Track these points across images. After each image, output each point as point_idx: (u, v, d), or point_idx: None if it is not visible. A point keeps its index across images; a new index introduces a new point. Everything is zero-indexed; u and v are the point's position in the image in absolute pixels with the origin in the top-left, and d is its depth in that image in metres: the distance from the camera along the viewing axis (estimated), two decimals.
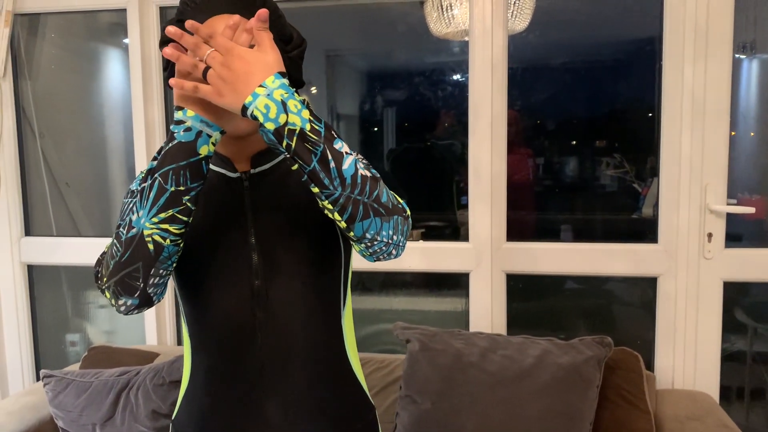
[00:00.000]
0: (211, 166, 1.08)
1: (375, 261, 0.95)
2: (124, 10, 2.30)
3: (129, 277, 0.90)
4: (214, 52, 0.84)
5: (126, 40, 2.34)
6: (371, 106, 2.52)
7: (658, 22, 2.04)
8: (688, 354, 2.05)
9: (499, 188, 2.11)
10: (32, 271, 2.55)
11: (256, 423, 1.00)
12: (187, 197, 0.89)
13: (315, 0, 2.22)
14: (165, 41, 1.03)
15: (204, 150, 0.88)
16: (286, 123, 0.83)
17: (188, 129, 0.87)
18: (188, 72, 0.87)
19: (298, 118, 0.84)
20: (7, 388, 2.57)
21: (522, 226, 2.28)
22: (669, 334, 2.05)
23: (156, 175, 0.88)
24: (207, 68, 0.84)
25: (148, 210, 0.88)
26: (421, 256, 2.19)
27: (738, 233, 2.09)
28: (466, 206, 2.27)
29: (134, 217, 0.89)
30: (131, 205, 0.91)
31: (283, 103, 0.83)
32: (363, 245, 0.91)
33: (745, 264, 2.00)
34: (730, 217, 2.01)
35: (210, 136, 0.89)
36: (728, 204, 2.00)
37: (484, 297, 2.15)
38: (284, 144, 0.83)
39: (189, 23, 0.86)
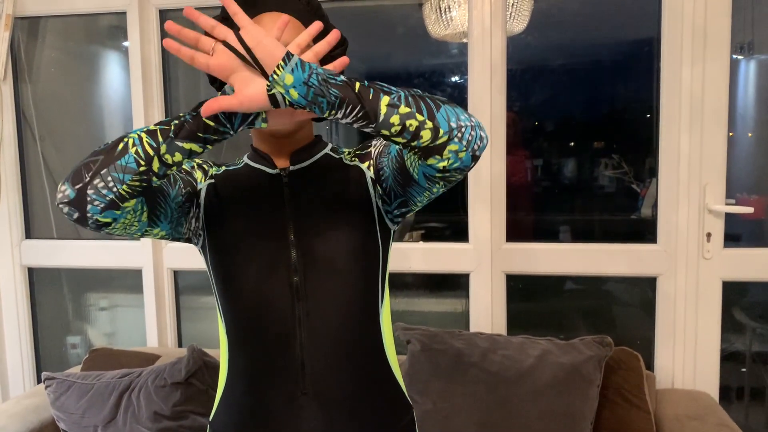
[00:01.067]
0: (251, 163, 1.11)
1: (473, 157, 0.88)
2: (124, 13, 2.31)
3: (86, 166, 0.87)
4: (218, 44, 0.87)
5: (126, 43, 2.34)
6: None
7: (655, 23, 2.05)
8: (687, 353, 2.05)
9: (499, 189, 2.12)
10: (33, 273, 2.55)
11: (297, 422, 1.00)
12: (176, 121, 0.88)
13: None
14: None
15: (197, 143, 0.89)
16: (310, 75, 0.85)
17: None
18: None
19: (316, 68, 0.86)
20: (7, 390, 2.58)
21: (521, 227, 2.28)
22: (669, 334, 2.06)
23: (186, 115, 0.89)
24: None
25: (148, 128, 0.89)
26: (421, 256, 2.20)
27: (737, 233, 2.10)
28: (462, 206, 2.28)
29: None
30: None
31: (299, 66, 0.85)
32: (456, 140, 0.85)
33: (744, 264, 2.00)
34: (729, 217, 2.02)
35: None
36: (727, 204, 2.01)
37: (484, 298, 2.15)
38: (331, 81, 0.84)
39: (187, 10, 0.88)
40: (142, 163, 0.87)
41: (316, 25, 0.96)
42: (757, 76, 2.13)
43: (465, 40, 2.28)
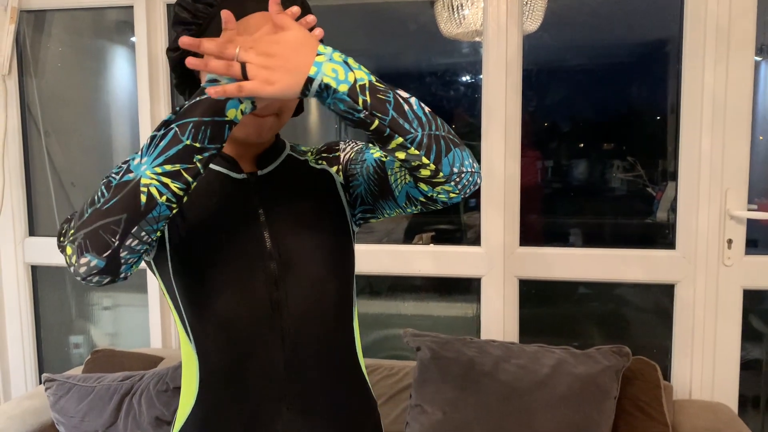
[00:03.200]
0: (216, 168, 1.02)
1: (462, 196, 0.91)
2: (131, 7, 2.26)
3: (105, 229, 0.78)
4: (242, 47, 0.80)
5: (133, 38, 2.30)
6: None
7: (672, 24, 1.99)
8: (706, 363, 1.99)
9: (513, 192, 2.06)
10: (36, 271, 2.51)
11: (272, 426, 0.96)
12: (199, 157, 0.81)
13: (324, 1, 2.18)
14: (174, 48, 0.99)
15: (231, 113, 0.82)
16: (356, 80, 0.80)
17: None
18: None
19: (363, 72, 0.82)
20: (9, 390, 2.54)
21: (533, 230, 2.23)
22: (687, 343, 1.99)
23: (173, 125, 0.80)
24: (243, 65, 0.79)
25: (155, 157, 0.79)
26: (431, 260, 2.14)
27: (753, 238, 2.04)
28: (474, 209, 2.22)
29: (135, 162, 0.80)
30: (131, 158, 0.83)
31: (346, 63, 0.81)
32: (452, 183, 0.88)
33: (766, 271, 1.94)
34: (747, 222, 1.95)
35: (241, 102, 0.82)
36: (749, 209, 1.95)
37: (496, 303, 2.09)
38: (360, 102, 0.80)
39: (225, 14, 0.82)
40: (175, 206, 0.82)
41: (309, 17, 0.90)
42: None
43: (478, 39, 2.23)
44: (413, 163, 0.85)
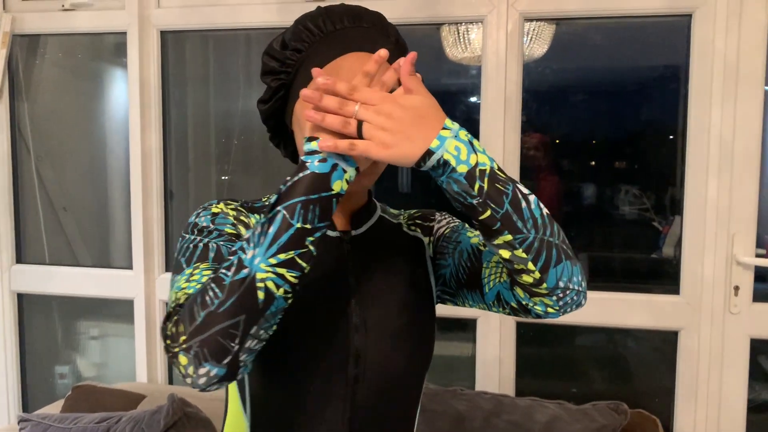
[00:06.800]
0: None
1: (560, 314, 0.83)
2: (125, 33, 2.22)
3: (224, 334, 0.69)
4: (362, 105, 0.74)
5: None
6: None
7: (681, 56, 1.92)
8: (710, 415, 1.89)
9: None
10: (22, 299, 2.45)
11: None
12: (311, 238, 0.73)
13: None
14: (266, 99, 0.93)
15: (337, 186, 0.74)
16: (477, 164, 0.75)
17: (323, 160, 0.74)
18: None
19: (486, 157, 0.77)
20: None
21: None
22: (690, 393, 1.90)
23: (279, 208, 0.72)
24: (359, 123, 0.74)
25: (267, 247, 0.71)
26: None
27: (761, 274, 1.94)
28: None
29: (246, 256, 0.71)
30: (236, 246, 0.74)
31: (470, 143, 0.76)
32: (554, 297, 0.79)
33: None
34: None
35: (345, 171, 0.75)
36: (757, 255, 1.86)
37: (492, 344, 2.01)
38: (476, 187, 0.75)
39: (318, 75, 0.75)
40: (290, 297, 0.74)
41: (411, 56, 0.79)
42: None
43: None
44: (517, 266, 0.78)
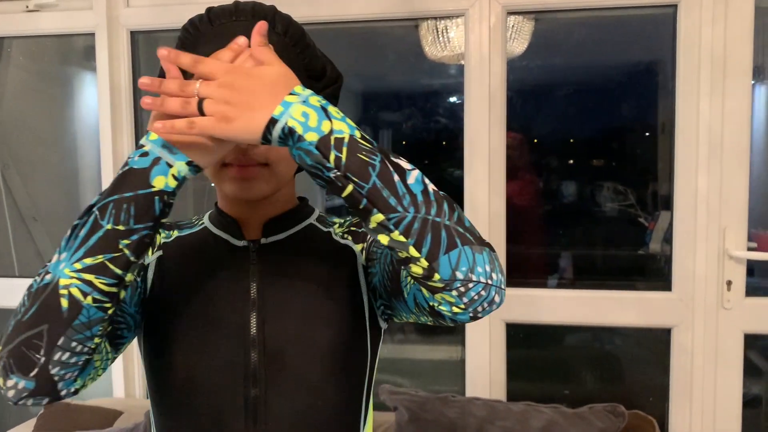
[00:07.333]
0: (212, 228, 0.87)
1: (472, 317, 0.69)
2: (93, 34, 2.13)
3: (27, 344, 0.64)
4: (204, 81, 0.66)
5: None
6: (366, 127, 2.38)
7: (664, 49, 1.89)
8: (706, 413, 1.86)
9: (498, 232, 1.92)
10: None
11: None
12: (126, 241, 0.65)
13: (309, 24, 2.06)
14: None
15: (159, 182, 0.66)
16: (332, 131, 0.65)
17: (144, 154, 0.67)
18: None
19: (345, 125, 0.66)
20: None
21: (519, 262, 2.10)
22: (685, 391, 1.86)
23: (94, 208, 0.67)
24: (201, 101, 0.66)
25: (73, 251, 0.65)
26: None
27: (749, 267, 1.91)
28: None
29: (53, 260, 0.67)
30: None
31: (324, 109, 0.66)
32: (454, 293, 0.66)
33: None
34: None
35: (171, 166, 0.67)
36: (749, 249, 1.83)
37: (482, 347, 1.96)
38: (332, 158, 0.64)
39: (162, 50, 0.67)
40: (109, 305, 0.67)
41: (259, 26, 0.71)
42: (762, 103, 1.99)
43: (463, 62, 2.13)
44: (400, 254, 0.67)
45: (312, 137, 0.64)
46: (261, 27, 0.69)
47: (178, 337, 0.80)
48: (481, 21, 1.88)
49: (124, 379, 2.19)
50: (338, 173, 0.64)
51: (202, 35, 0.82)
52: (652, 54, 2.04)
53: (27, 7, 2.15)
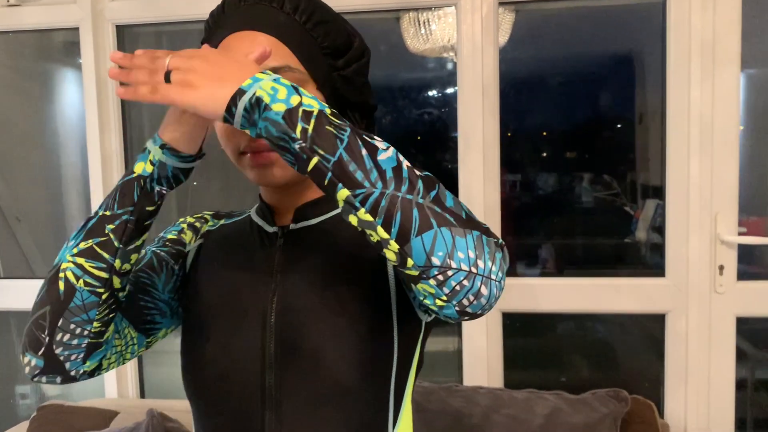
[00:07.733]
0: (254, 217, 0.87)
1: (460, 312, 0.62)
2: (77, 29, 2.08)
3: (36, 325, 0.70)
4: (175, 54, 0.65)
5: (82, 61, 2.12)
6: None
7: (646, 35, 1.91)
8: (701, 396, 1.88)
9: (493, 223, 1.93)
10: None
11: None
12: (111, 226, 0.69)
13: None
14: None
15: (138, 168, 0.70)
16: (301, 104, 0.62)
17: (143, 150, 0.73)
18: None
19: (316, 102, 0.63)
20: None
21: (515, 251, 2.12)
22: (680, 376, 1.89)
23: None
24: (168, 73, 0.65)
25: (75, 237, 0.71)
26: None
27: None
28: None
29: (64, 246, 0.73)
30: None
31: (294, 87, 0.64)
32: (432, 281, 0.60)
33: (759, 298, 1.85)
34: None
35: (149, 152, 0.70)
36: (740, 233, 1.86)
37: (479, 337, 1.96)
38: (298, 129, 0.61)
39: (113, 56, 0.68)
40: (102, 290, 0.69)
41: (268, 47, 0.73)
42: (747, 90, 2.02)
43: (445, 55, 2.12)
44: (370, 236, 0.62)
45: (279, 107, 0.61)
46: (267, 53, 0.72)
47: (204, 323, 0.81)
48: (473, 11, 1.88)
49: (116, 379, 2.15)
50: (303, 144, 0.61)
51: (216, 23, 0.85)
52: (638, 44, 2.05)
53: (8, 1, 2.10)
